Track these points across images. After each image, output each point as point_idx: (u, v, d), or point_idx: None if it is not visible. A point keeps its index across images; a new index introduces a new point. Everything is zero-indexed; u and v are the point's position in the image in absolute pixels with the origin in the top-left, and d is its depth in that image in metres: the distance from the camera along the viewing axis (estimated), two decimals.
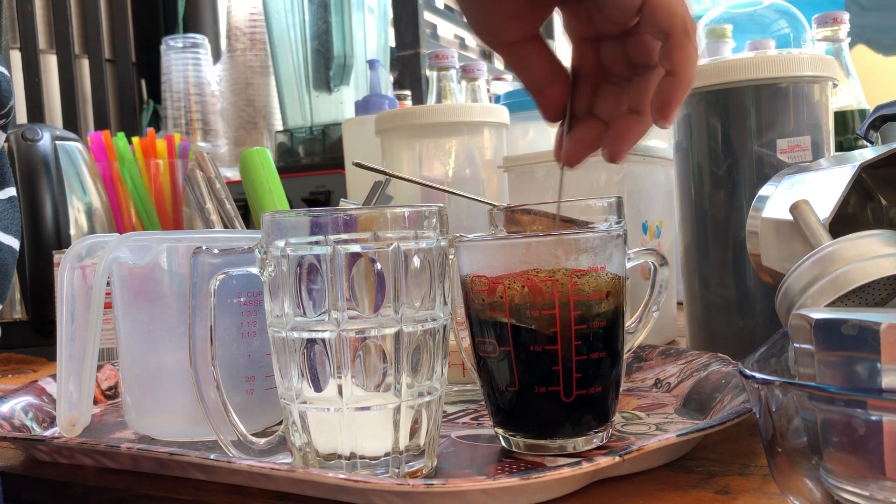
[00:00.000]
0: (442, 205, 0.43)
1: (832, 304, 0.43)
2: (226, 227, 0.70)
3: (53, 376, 0.63)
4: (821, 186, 0.49)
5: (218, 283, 0.42)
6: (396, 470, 0.41)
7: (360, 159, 1.03)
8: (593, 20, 0.43)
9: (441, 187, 0.57)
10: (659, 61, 0.40)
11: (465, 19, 0.45)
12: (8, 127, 0.39)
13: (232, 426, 0.43)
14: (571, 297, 0.41)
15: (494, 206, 0.55)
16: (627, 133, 0.43)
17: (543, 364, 0.42)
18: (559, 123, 0.46)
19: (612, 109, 0.44)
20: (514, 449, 0.44)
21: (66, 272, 0.48)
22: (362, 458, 0.40)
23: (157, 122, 1.66)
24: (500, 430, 0.45)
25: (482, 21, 0.44)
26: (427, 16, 1.58)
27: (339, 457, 0.41)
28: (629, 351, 0.49)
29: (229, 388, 0.44)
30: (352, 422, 0.40)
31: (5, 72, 0.38)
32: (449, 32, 1.83)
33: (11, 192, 0.42)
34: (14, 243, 0.39)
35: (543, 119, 0.46)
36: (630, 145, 0.44)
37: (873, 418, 0.29)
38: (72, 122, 1.56)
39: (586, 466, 0.37)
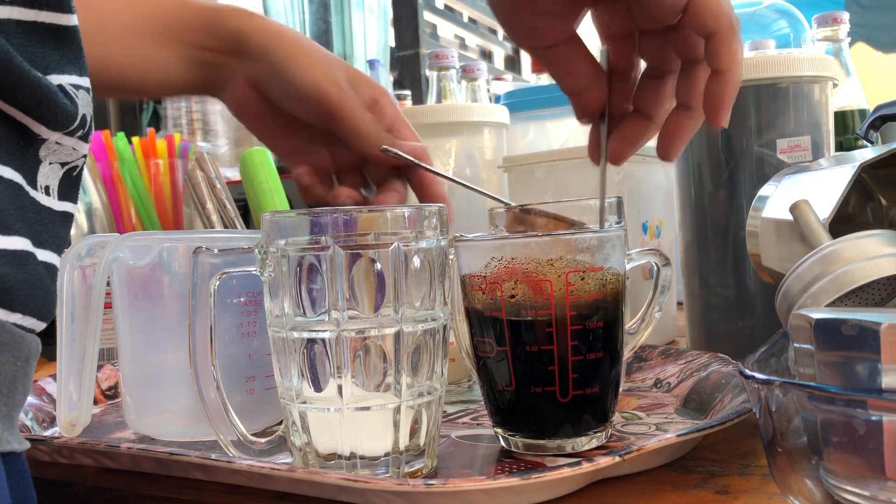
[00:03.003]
0: (442, 205, 0.43)
1: (832, 304, 0.43)
2: (226, 227, 0.70)
3: (53, 376, 0.63)
4: (821, 186, 0.49)
5: (218, 283, 0.42)
6: (396, 470, 0.41)
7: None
8: (633, 17, 0.43)
9: (467, 184, 0.57)
10: (706, 60, 0.40)
11: (500, 23, 0.45)
12: (87, 138, 0.39)
13: (232, 426, 0.43)
14: (568, 297, 0.41)
15: (510, 205, 0.54)
16: (680, 130, 0.43)
17: (540, 364, 0.42)
18: (591, 125, 0.46)
19: (654, 104, 0.44)
20: (513, 449, 0.44)
21: (66, 272, 0.48)
22: (362, 458, 0.40)
23: (157, 121, 1.66)
24: (499, 430, 0.45)
25: (520, 23, 0.44)
26: (427, 16, 1.58)
27: (339, 457, 0.41)
28: (630, 351, 0.49)
29: (229, 387, 0.44)
30: (352, 422, 0.40)
31: (82, 82, 0.38)
32: (449, 32, 1.83)
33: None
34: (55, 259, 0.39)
35: (579, 120, 0.46)
36: (685, 141, 0.44)
37: (873, 418, 0.29)
38: None
39: (586, 466, 0.37)
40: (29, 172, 0.35)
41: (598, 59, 0.46)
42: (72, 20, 0.37)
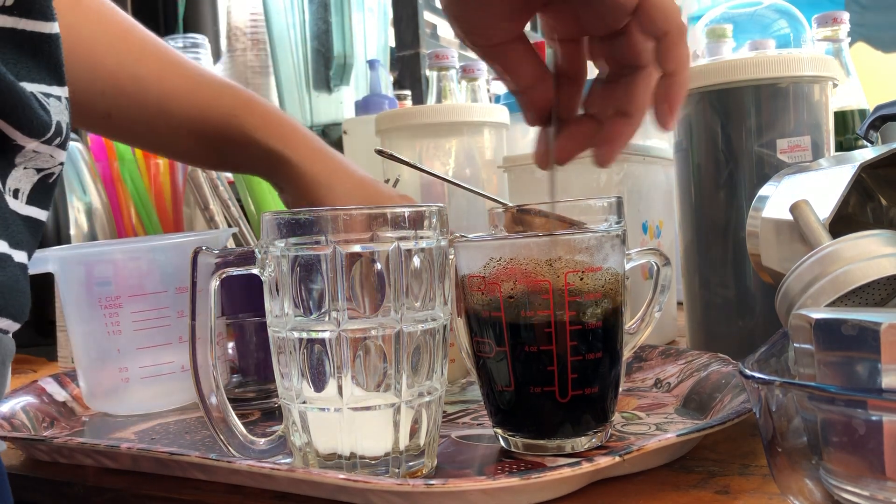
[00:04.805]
0: (442, 205, 0.43)
1: (832, 304, 0.43)
2: (230, 226, 0.70)
3: (53, 376, 0.63)
4: (821, 186, 0.49)
5: (218, 283, 0.42)
6: (396, 470, 0.41)
7: (361, 160, 1.03)
8: (580, 20, 0.43)
9: (465, 185, 0.57)
10: (656, 62, 0.40)
11: (449, 20, 0.45)
12: (65, 146, 0.39)
13: (232, 427, 0.43)
14: (566, 297, 0.41)
15: (508, 206, 0.54)
16: (617, 136, 0.43)
17: (539, 364, 0.42)
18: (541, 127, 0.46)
19: (603, 108, 0.44)
20: (512, 449, 0.44)
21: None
22: (362, 458, 0.40)
23: None
24: (498, 431, 0.45)
25: (468, 21, 0.43)
26: (427, 16, 1.58)
27: (339, 457, 0.41)
28: (630, 351, 0.49)
29: (107, 376, 0.58)
30: (352, 422, 0.40)
31: (53, 91, 0.38)
32: (449, 32, 1.83)
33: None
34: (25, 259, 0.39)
35: (527, 122, 0.46)
36: (620, 148, 0.43)
37: (873, 418, 0.29)
38: None
39: (586, 466, 0.37)
40: (1, 176, 0.35)
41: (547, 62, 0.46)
42: (54, 28, 0.37)
